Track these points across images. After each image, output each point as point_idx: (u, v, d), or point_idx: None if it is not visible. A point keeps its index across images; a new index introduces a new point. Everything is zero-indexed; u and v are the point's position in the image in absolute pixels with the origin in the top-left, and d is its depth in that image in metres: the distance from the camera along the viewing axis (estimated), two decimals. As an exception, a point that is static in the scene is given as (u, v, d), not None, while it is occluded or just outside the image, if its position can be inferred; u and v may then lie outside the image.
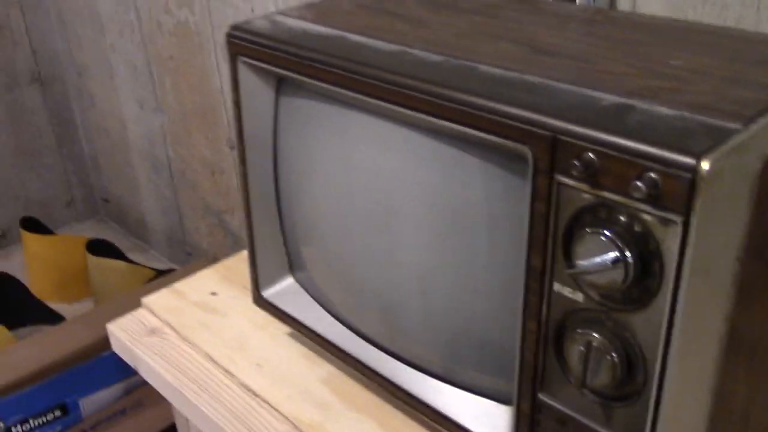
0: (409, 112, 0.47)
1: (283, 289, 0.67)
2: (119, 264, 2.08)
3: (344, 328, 0.61)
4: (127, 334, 0.75)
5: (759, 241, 0.39)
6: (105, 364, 1.52)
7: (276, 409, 0.64)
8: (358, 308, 0.58)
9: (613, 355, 0.41)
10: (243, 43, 0.58)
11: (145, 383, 1.57)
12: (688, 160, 0.35)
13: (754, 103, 0.39)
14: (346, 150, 0.54)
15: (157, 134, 2.17)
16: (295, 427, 0.62)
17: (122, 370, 1.55)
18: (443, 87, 0.44)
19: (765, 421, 0.49)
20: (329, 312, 0.62)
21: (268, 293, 0.67)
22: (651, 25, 0.53)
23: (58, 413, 1.44)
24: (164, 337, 0.74)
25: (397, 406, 0.62)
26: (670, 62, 0.45)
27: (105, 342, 1.56)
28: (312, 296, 0.64)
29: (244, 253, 0.85)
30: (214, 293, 0.79)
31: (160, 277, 1.89)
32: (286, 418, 0.63)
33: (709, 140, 0.35)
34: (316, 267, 0.62)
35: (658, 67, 0.44)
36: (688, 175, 0.35)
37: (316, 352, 0.69)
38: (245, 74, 0.59)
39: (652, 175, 0.36)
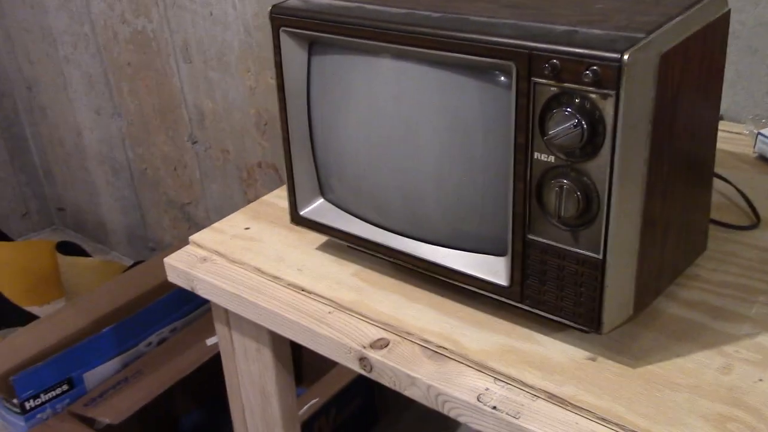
0: (423, 50, 0.68)
1: (316, 208, 0.87)
2: (92, 261, 2.22)
3: (372, 226, 0.82)
4: (183, 263, 0.94)
5: (660, 111, 0.62)
6: (103, 342, 1.68)
7: (321, 296, 0.84)
8: (385, 206, 0.79)
9: (577, 193, 0.63)
10: (283, 17, 0.78)
11: (143, 354, 1.73)
12: (616, 55, 0.57)
13: (651, 24, 0.62)
14: (373, 87, 0.75)
15: (116, 138, 2.31)
16: (340, 305, 0.82)
17: (118, 345, 1.71)
18: (450, 29, 0.66)
19: (676, 233, 0.72)
20: (358, 217, 0.83)
21: (304, 212, 0.87)
22: (578, -13, 0.76)
23: (65, 387, 1.58)
24: (215, 262, 0.93)
25: (415, 284, 0.83)
26: (595, 6, 0.67)
27: (100, 323, 1.71)
28: (342, 209, 0.85)
29: (264, 199, 1.04)
30: (247, 228, 0.98)
31: (129, 270, 2.05)
32: (331, 300, 0.83)
33: (626, 44, 0.58)
34: (346, 184, 0.82)
35: (588, 9, 0.67)
36: (617, 65, 0.57)
37: (343, 257, 0.89)
38: (285, 41, 0.79)
39: (595, 67, 0.58)
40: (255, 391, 1.00)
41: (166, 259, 0.95)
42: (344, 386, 1.56)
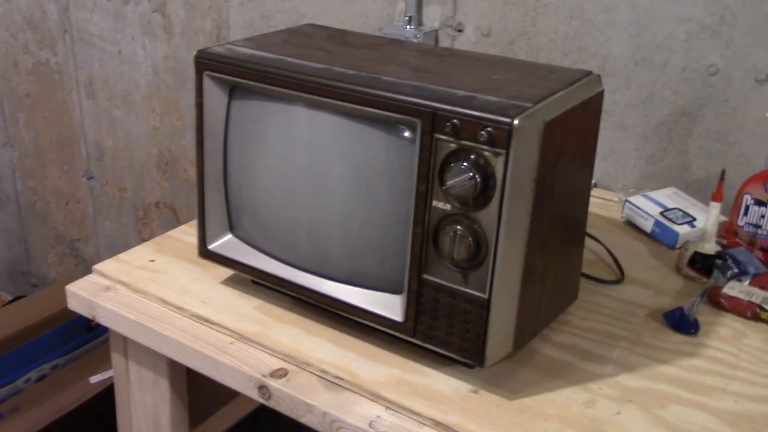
0: (335, 102, 0.75)
1: (225, 243, 0.91)
2: (-32, 293, 2.13)
3: (278, 262, 0.87)
4: (85, 291, 0.95)
5: (543, 171, 0.71)
6: (-22, 377, 1.62)
7: (224, 327, 0.87)
8: (293, 244, 0.85)
9: (469, 239, 0.71)
10: (207, 62, 0.83)
11: (21, 391, 1.69)
12: (507, 120, 0.66)
13: (538, 96, 0.71)
14: (288, 132, 0.81)
15: (6, 169, 2.26)
16: (242, 336, 0.86)
17: (-5, 381, 1.65)
18: (364, 86, 0.73)
19: (551, 282, 0.81)
20: (265, 253, 0.88)
21: (213, 246, 0.91)
22: (475, 57, 0.85)
23: (-66, 423, 1.51)
24: (118, 291, 0.95)
25: (315, 319, 0.88)
26: (492, 76, 0.77)
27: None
28: (250, 245, 0.89)
29: (169, 234, 1.07)
30: (152, 260, 1.01)
31: (10, 304, 1.99)
32: (233, 331, 0.87)
33: (517, 111, 0.67)
34: (256, 222, 0.88)
35: (485, 78, 0.76)
36: (508, 128, 0.66)
37: (246, 292, 0.93)
38: (207, 84, 0.84)
39: (489, 129, 0.67)
40: (148, 423, 1.01)
41: (67, 287, 0.96)
42: (230, 426, 1.56)
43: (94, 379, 1.69)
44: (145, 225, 1.98)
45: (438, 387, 0.78)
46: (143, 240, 2.00)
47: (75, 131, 2.01)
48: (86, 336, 1.83)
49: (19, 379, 1.70)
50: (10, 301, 2.11)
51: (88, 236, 2.14)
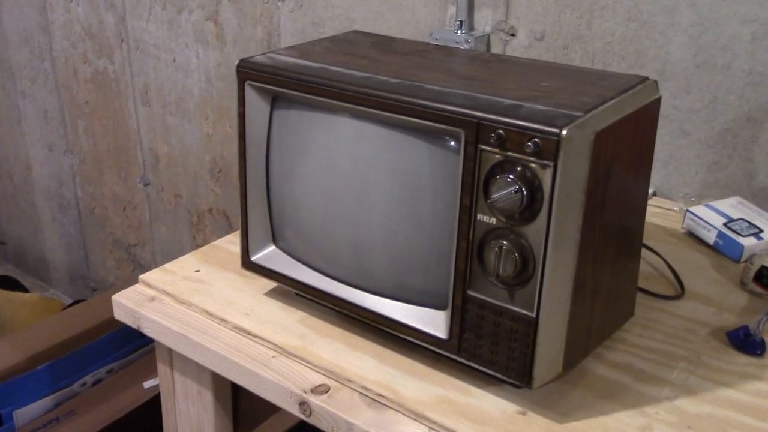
0: (377, 111, 0.73)
1: (268, 254, 0.90)
2: (31, 297, 2.18)
3: (320, 275, 0.85)
4: (130, 301, 0.95)
5: (593, 183, 0.68)
6: (37, 379, 1.65)
7: (266, 340, 0.86)
8: (335, 257, 0.83)
9: (515, 254, 0.67)
10: (249, 71, 0.82)
11: (77, 394, 1.71)
12: (555, 130, 0.63)
13: (589, 104, 0.67)
14: (330, 142, 0.79)
15: (67, 175, 2.30)
16: (284, 350, 0.84)
17: (52, 383, 1.68)
18: (407, 95, 0.71)
19: (605, 298, 0.77)
20: (308, 266, 0.86)
21: (256, 258, 0.89)
22: (524, 63, 0.82)
23: (-7, 424, 1.55)
24: (163, 302, 0.95)
25: (358, 334, 0.86)
26: (541, 83, 0.73)
27: (35, 359, 1.69)
28: (292, 257, 0.88)
29: (215, 244, 1.07)
30: (197, 270, 1.00)
31: (69, 308, 2.03)
32: (275, 344, 0.85)
33: (565, 120, 0.64)
34: (299, 233, 0.86)
35: (533, 86, 0.73)
36: (555, 138, 0.62)
37: (290, 304, 0.92)
38: (249, 94, 0.83)
39: (536, 140, 0.63)
40: (192, 434, 1.01)
41: (114, 297, 0.96)
42: (280, 436, 1.56)
43: (148, 384, 1.70)
44: (199, 231, 1.99)
45: (484, 407, 0.75)
46: (197, 246, 2.02)
47: (131, 138, 2.04)
48: (141, 340, 1.84)
49: (76, 382, 1.73)
50: (70, 305, 2.16)
51: (145, 241, 2.17)
